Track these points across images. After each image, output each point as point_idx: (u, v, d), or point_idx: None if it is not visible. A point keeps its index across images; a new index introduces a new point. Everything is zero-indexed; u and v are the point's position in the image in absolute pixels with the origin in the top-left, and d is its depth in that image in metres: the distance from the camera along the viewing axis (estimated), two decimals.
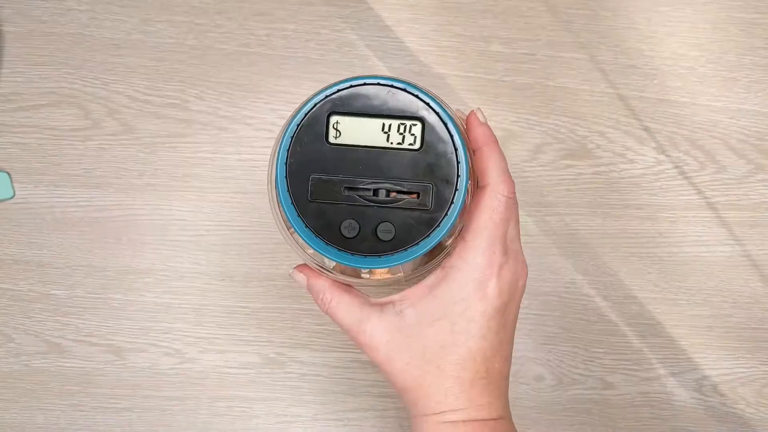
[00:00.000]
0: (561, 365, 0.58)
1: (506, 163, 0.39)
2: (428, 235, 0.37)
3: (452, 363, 0.38)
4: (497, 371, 0.39)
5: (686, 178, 0.59)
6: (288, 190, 0.36)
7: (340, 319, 0.39)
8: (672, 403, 0.59)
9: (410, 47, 0.59)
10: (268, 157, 0.39)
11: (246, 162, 0.58)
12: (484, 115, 0.40)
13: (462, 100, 0.59)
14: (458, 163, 0.36)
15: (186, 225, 0.58)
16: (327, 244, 0.36)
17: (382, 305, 0.39)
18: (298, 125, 0.36)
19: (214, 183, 0.58)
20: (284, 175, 0.36)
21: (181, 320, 0.57)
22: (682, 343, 0.59)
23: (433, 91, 0.38)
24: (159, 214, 0.58)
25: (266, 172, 0.39)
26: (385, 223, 0.36)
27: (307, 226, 0.36)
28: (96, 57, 0.58)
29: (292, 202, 0.36)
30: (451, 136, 0.36)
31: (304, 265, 0.41)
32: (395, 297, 0.39)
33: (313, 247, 0.36)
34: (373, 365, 0.40)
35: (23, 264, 0.57)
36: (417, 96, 0.36)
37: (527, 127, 0.59)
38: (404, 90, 0.36)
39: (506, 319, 0.39)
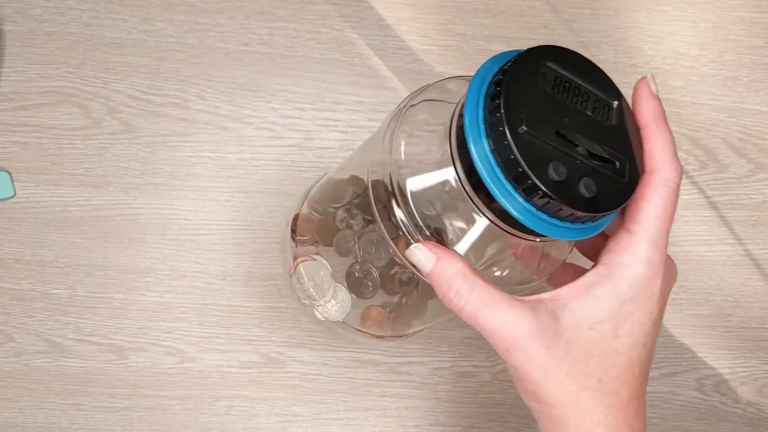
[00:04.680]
0: None
1: (675, 146, 0.34)
2: (620, 207, 0.33)
3: (613, 377, 0.33)
4: (643, 390, 0.34)
5: (687, 177, 0.59)
6: (501, 113, 0.31)
7: (483, 319, 0.31)
8: (672, 403, 0.59)
9: (411, 46, 0.59)
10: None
11: (247, 161, 0.58)
12: (656, 86, 0.35)
13: None
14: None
15: (187, 224, 0.58)
16: (534, 181, 0.31)
17: (531, 303, 0.32)
18: (506, 67, 0.32)
19: (215, 182, 0.58)
20: (496, 99, 0.31)
21: (182, 319, 0.57)
22: (683, 342, 0.59)
23: None
24: (160, 214, 0.58)
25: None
26: (587, 178, 0.32)
27: (515, 156, 0.31)
28: (96, 56, 0.58)
29: (506, 126, 0.31)
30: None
31: (433, 242, 0.33)
32: (544, 296, 0.33)
33: (512, 177, 0.31)
34: (514, 374, 0.33)
35: (24, 263, 0.57)
36: (611, 80, 0.35)
37: None
38: (602, 72, 0.35)
39: (659, 325, 0.35)
